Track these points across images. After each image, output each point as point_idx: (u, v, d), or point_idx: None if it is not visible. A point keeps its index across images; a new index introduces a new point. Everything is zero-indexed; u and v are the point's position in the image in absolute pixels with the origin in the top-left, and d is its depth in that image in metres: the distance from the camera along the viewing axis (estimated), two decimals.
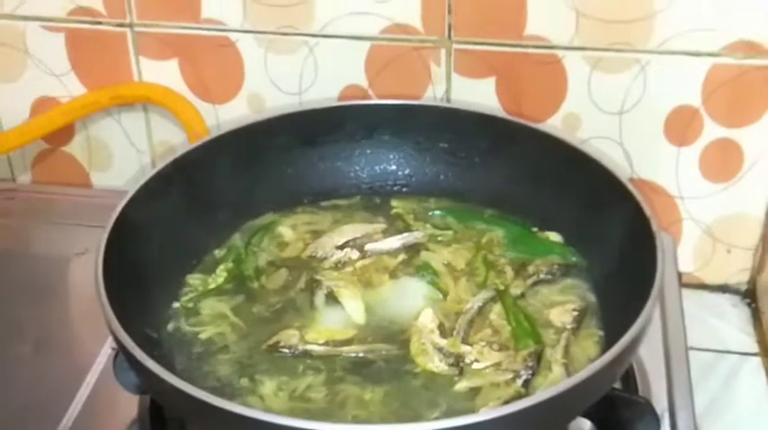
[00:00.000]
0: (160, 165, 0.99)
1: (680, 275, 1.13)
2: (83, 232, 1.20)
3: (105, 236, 0.89)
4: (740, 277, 1.24)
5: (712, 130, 1.14)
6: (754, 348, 1.17)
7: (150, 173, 0.98)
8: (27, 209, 1.30)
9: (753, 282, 1.23)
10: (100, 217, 0.93)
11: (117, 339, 0.80)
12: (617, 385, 0.95)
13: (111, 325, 0.81)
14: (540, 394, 0.75)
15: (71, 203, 1.30)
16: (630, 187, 0.94)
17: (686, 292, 1.14)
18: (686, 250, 1.22)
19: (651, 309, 0.80)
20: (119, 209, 0.93)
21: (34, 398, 0.98)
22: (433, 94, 1.20)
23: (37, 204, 1.31)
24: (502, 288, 0.96)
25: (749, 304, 1.23)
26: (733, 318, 1.21)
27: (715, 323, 1.21)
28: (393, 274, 0.99)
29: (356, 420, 0.83)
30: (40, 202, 1.32)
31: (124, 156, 1.33)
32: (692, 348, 1.07)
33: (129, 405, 0.94)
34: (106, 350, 1.01)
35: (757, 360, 1.15)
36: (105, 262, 0.86)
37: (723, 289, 1.25)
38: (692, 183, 1.18)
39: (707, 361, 1.14)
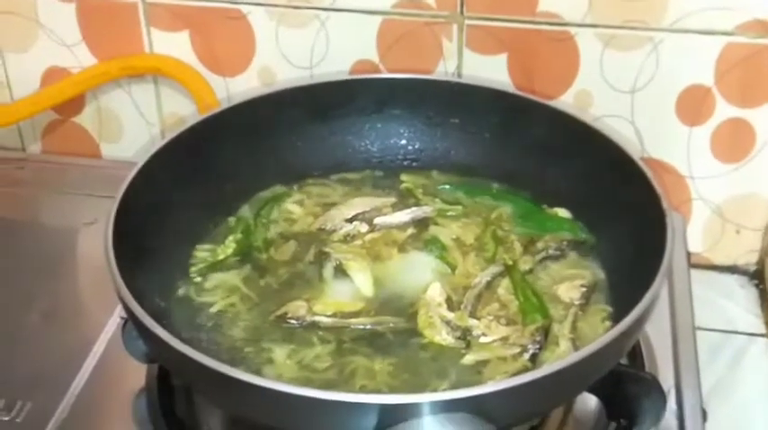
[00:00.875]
0: (170, 136, 0.99)
1: (689, 255, 1.13)
2: (92, 202, 1.20)
3: (115, 206, 0.89)
4: (749, 258, 1.23)
5: (724, 110, 1.14)
6: (762, 329, 1.17)
7: (160, 144, 0.98)
8: (37, 179, 1.31)
9: (761, 263, 1.23)
10: (109, 187, 0.93)
11: (126, 307, 0.80)
12: (624, 362, 0.95)
13: (120, 293, 0.81)
14: (547, 367, 0.75)
15: (81, 174, 1.30)
16: (642, 165, 0.94)
17: (695, 273, 1.14)
18: (695, 230, 1.22)
19: (659, 286, 0.80)
20: (128, 179, 0.92)
21: (42, 368, 0.98)
22: (444, 70, 1.19)
23: (47, 174, 1.31)
24: (510, 263, 0.95)
25: (757, 285, 1.23)
26: (741, 298, 1.22)
27: (723, 303, 1.21)
28: (402, 248, 0.98)
29: (364, 390, 0.83)
30: (50, 172, 1.32)
31: (134, 128, 1.33)
32: (700, 328, 1.07)
33: (136, 374, 0.95)
34: (114, 319, 1.01)
35: (765, 341, 1.15)
36: (115, 231, 0.86)
37: (732, 269, 1.25)
38: (702, 163, 1.18)
39: (714, 341, 1.14)
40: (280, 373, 0.85)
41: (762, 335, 1.16)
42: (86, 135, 1.35)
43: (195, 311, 0.92)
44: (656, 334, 0.99)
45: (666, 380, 0.94)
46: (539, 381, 0.73)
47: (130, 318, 0.81)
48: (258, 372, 0.85)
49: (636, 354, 0.96)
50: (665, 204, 0.88)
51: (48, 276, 1.12)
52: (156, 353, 0.85)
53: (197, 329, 0.90)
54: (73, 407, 0.93)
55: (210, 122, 1.04)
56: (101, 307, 1.03)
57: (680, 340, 1.00)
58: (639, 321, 0.79)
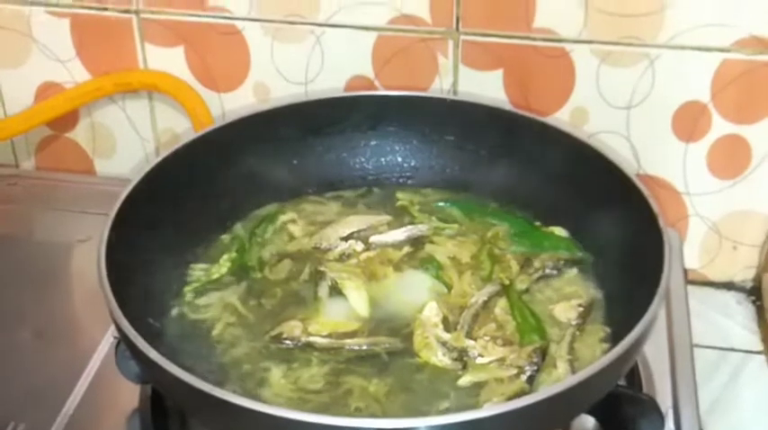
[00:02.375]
0: (164, 154, 0.99)
1: (686, 272, 1.13)
2: (86, 219, 1.19)
3: (108, 223, 0.88)
4: (746, 274, 1.23)
5: (721, 127, 1.14)
6: (759, 346, 1.16)
7: (154, 161, 0.98)
8: (30, 195, 1.30)
9: (758, 280, 1.23)
10: (103, 204, 0.92)
11: (119, 328, 0.80)
12: (621, 382, 0.95)
13: (113, 313, 0.80)
14: (545, 391, 0.74)
15: (74, 190, 1.29)
16: (638, 182, 0.93)
17: (691, 289, 1.14)
18: (692, 246, 1.22)
19: (657, 307, 0.80)
20: (122, 196, 0.92)
21: (35, 386, 0.97)
22: (440, 86, 1.19)
23: (40, 191, 1.31)
24: (507, 282, 0.95)
25: (754, 301, 1.23)
26: (738, 315, 1.21)
27: (720, 320, 1.20)
28: (397, 267, 0.98)
29: (359, 412, 0.82)
30: (44, 189, 1.31)
31: (128, 144, 1.32)
32: (697, 345, 1.06)
33: (130, 394, 0.94)
34: (108, 338, 1.00)
35: (761, 358, 1.15)
36: (108, 249, 0.86)
37: (728, 286, 1.24)
38: (699, 180, 1.17)
39: (711, 358, 1.14)
40: (275, 394, 0.84)
41: (759, 353, 1.16)
42: (80, 151, 1.34)
43: (189, 331, 0.92)
44: (654, 352, 0.99)
45: (664, 401, 0.94)
46: (536, 405, 0.73)
47: (123, 339, 0.80)
48: (253, 393, 0.84)
49: (633, 374, 0.96)
50: (662, 223, 0.88)
51: (41, 294, 1.11)
52: (148, 375, 0.84)
53: (191, 350, 0.89)
54: (66, 428, 0.92)
55: (205, 140, 1.03)
56: (94, 325, 1.03)
57: (677, 359, 1.00)
58: (637, 343, 0.78)
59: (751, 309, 1.22)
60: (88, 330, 1.04)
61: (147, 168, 0.96)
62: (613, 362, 0.76)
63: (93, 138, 1.33)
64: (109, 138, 1.32)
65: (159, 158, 0.98)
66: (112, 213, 0.90)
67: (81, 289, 1.13)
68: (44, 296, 1.11)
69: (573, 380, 0.75)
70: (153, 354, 0.76)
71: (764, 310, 1.20)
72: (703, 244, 1.22)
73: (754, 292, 1.23)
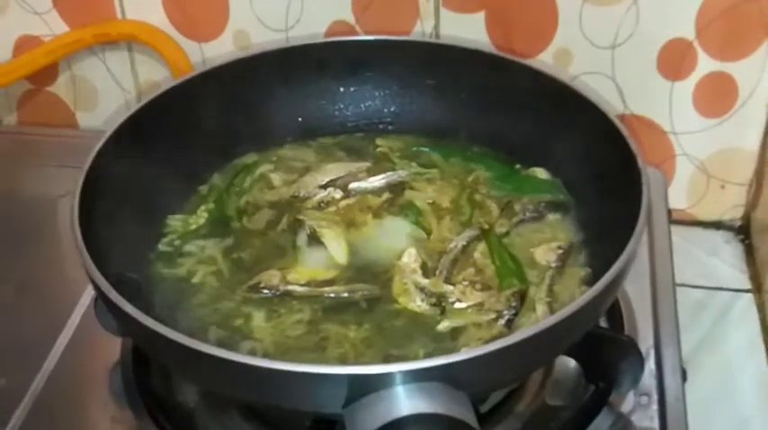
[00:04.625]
0: (137, 105, 0.97)
1: (670, 212, 1.12)
2: (68, 174, 1.15)
3: (81, 177, 0.87)
4: (734, 213, 1.22)
5: (706, 64, 1.12)
6: (747, 285, 1.16)
7: (127, 113, 0.96)
8: (12, 150, 1.30)
9: (746, 218, 1.22)
10: (85, 158, 0.91)
11: (93, 282, 0.79)
12: (604, 323, 0.94)
13: (87, 268, 0.79)
14: (522, 332, 0.73)
15: (57, 144, 1.28)
16: (618, 124, 0.92)
17: (679, 229, 1.13)
18: (680, 186, 1.21)
19: (635, 246, 0.79)
20: (96, 148, 0.91)
21: (17, 341, 0.98)
22: (421, 30, 1.17)
23: (22, 145, 1.30)
24: (486, 227, 0.94)
25: (743, 240, 1.22)
26: (726, 254, 1.21)
27: (708, 260, 1.20)
28: (377, 214, 0.97)
29: (339, 358, 0.82)
30: (26, 144, 1.31)
31: (110, 96, 1.31)
32: (685, 285, 1.06)
33: (112, 346, 0.94)
34: (89, 292, 0.99)
35: (749, 296, 1.15)
36: (82, 203, 0.85)
37: (717, 225, 1.24)
38: (685, 119, 1.16)
39: (699, 298, 1.14)
40: (256, 342, 0.84)
41: (747, 291, 1.15)
42: (62, 104, 1.33)
43: (168, 283, 0.91)
44: (636, 292, 0.98)
45: (645, 341, 0.94)
46: (513, 347, 0.72)
47: (98, 293, 0.80)
48: (233, 343, 0.84)
49: (615, 314, 0.95)
50: (640, 163, 0.87)
51: (22, 248, 1.11)
52: (125, 328, 0.84)
53: (170, 302, 0.89)
54: (48, 382, 0.93)
55: (182, 89, 1.01)
56: (76, 279, 1.00)
57: (660, 299, 0.99)
58: (614, 283, 0.77)
59: (740, 247, 1.22)
60: (69, 285, 1.03)
61: (121, 120, 0.95)
62: (590, 302, 0.75)
63: (74, 91, 1.32)
64: (90, 91, 1.31)
65: (133, 110, 0.96)
66: (85, 166, 0.89)
67: (63, 244, 1.11)
68: (25, 251, 1.10)
69: (550, 321, 0.74)
70: (128, 308, 0.76)
71: (753, 249, 1.20)
72: (691, 183, 1.21)
73: (742, 231, 1.23)
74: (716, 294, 1.15)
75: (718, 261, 1.20)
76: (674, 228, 1.10)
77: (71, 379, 0.94)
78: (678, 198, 1.21)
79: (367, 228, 0.95)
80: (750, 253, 1.20)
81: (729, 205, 1.22)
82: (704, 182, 1.20)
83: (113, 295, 0.77)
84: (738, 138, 1.16)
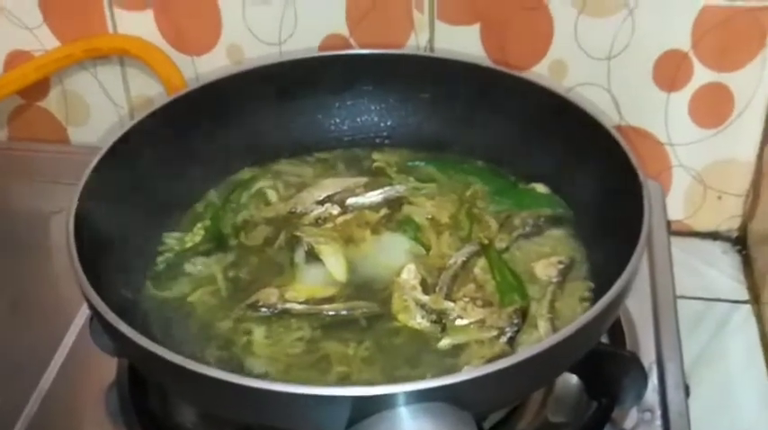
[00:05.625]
0: (134, 121, 0.96)
1: (669, 224, 1.12)
2: (60, 190, 1.16)
3: (76, 194, 0.86)
4: (731, 224, 1.22)
5: (702, 75, 1.12)
6: (745, 295, 1.16)
7: (123, 128, 0.95)
8: (3, 166, 1.28)
9: (743, 229, 1.22)
10: (77, 174, 0.90)
11: (88, 301, 0.78)
12: (605, 339, 0.94)
13: (81, 286, 0.78)
14: (525, 351, 0.73)
15: (48, 160, 1.27)
16: (617, 136, 0.91)
17: (676, 240, 1.13)
18: (676, 197, 1.20)
19: (637, 262, 0.78)
20: (91, 166, 0.90)
21: (11, 359, 0.97)
22: (416, 43, 1.17)
23: (14, 161, 1.29)
24: (486, 242, 0.93)
25: (740, 251, 1.22)
26: (724, 265, 1.20)
27: (706, 271, 1.19)
28: (375, 230, 0.96)
29: (338, 377, 0.81)
30: (17, 160, 1.30)
31: (102, 111, 1.30)
32: (683, 297, 1.06)
33: (108, 366, 0.93)
34: (84, 310, 0.99)
35: (748, 307, 1.14)
36: (77, 221, 0.84)
37: (714, 236, 1.23)
38: (681, 130, 1.16)
39: (697, 309, 1.13)
40: (256, 361, 0.83)
41: (745, 302, 1.15)
42: (53, 119, 1.32)
43: (164, 301, 0.90)
44: (637, 306, 0.97)
45: (648, 355, 0.93)
46: (516, 367, 0.71)
47: (93, 312, 0.79)
48: (232, 363, 0.83)
49: (616, 329, 0.94)
50: (641, 177, 0.86)
51: (16, 265, 1.10)
52: (120, 348, 0.83)
53: (167, 321, 0.88)
54: (43, 402, 0.91)
55: (176, 105, 1.01)
56: (71, 297, 0.99)
57: (661, 313, 0.99)
58: (617, 300, 0.77)
59: (737, 258, 1.21)
60: (64, 302, 1.02)
61: (117, 136, 0.94)
62: (593, 320, 0.75)
63: (65, 106, 1.31)
64: (82, 106, 1.30)
65: (128, 126, 0.95)
66: (80, 184, 0.88)
67: (56, 261, 1.11)
68: (19, 268, 1.09)
69: (553, 339, 0.73)
70: (124, 328, 0.75)
71: (751, 259, 1.20)
72: (687, 194, 1.20)
73: (739, 242, 1.22)
74: (714, 305, 1.14)
75: (716, 272, 1.19)
76: (671, 240, 1.10)
77: (66, 399, 0.93)
78: (675, 209, 1.20)
79: (365, 244, 0.95)
80: (748, 263, 1.20)
81: (726, 216, 1.21)
82: (701, 192, 1.20)
83: (109, 315, 0.76)
84: (735, 149, 1.16)
